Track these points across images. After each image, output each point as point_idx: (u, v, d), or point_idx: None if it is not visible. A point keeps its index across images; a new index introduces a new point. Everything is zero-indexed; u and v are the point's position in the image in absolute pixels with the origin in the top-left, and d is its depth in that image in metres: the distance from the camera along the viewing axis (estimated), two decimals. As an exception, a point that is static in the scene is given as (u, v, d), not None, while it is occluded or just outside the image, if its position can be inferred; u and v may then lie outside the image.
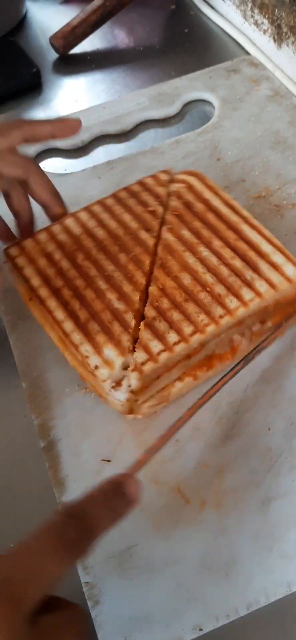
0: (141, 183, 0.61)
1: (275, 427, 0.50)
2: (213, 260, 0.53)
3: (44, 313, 0.53)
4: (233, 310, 0.50)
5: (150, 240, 0.56)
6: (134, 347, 0.49)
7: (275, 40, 0.83)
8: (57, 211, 0.59)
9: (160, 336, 0.49)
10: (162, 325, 0.50)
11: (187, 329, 0.49)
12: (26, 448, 0.51)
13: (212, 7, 1.00)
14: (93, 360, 0.49)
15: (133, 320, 0.51)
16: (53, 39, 0.92)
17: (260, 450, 0.48)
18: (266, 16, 0.84)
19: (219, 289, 0.51)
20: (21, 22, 1.03)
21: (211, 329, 0.50)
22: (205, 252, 0.54)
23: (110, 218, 0.58)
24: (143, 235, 0.56)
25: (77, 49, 0.94)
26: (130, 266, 0.54)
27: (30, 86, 0.88)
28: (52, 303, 0.53)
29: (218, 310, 0.50)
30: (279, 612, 0.42)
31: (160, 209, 0.58)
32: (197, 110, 0.81)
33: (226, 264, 0.53)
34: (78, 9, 0.97)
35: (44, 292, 0.54)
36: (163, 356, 0.49)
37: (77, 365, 0.51)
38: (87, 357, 0.49)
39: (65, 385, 0.54)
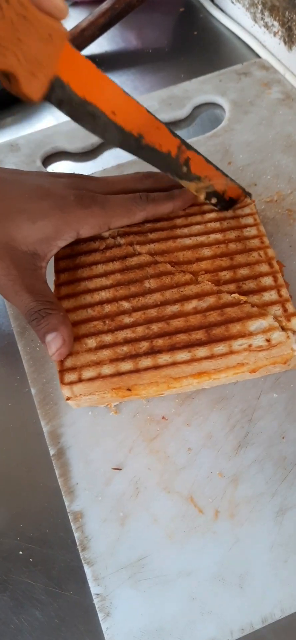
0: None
1: (289, 436, 0.49)
2: None
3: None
4: None
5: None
6: None
7: (285, 43, 0.82)
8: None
9: None
10: None
11: None
12: (36, 455, 0.51)
13: (222, 10, 0.99)
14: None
15: None
16: (62, 42, 0.92)
17: (275, 459, 0.48)
18: (277, 18, 0.83)
19: None
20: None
21: None
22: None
23: None
24: None
25: (85, 52, 0.93)
26: None
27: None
28: None
29: None
30: (294, 627, 0.41)
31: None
32: (207, 114, 0.80)
33: None
34: (86, 11, 0.96)
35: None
36: None
37: None
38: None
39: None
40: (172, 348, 0.48)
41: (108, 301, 0.52)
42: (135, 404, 0.52)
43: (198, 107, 0.81)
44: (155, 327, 0.49)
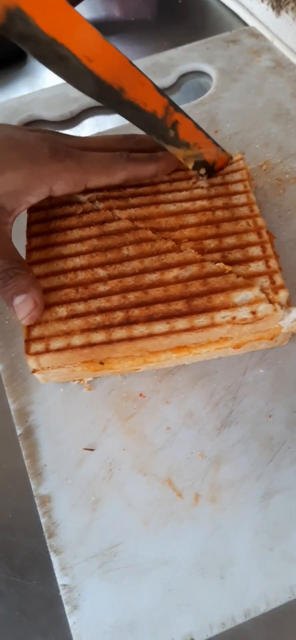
0: None
1: (276, 415, 0.45)
2: None
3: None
4: None
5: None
6: None
7: (273, 8, 0.79)
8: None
9: None
10: None
11: None
12: (1, 435, 0.47)
13: (209, -21, 0.95)
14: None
15: None
16: (41, 7, 0.87)
17: (260, 440, 0.44)
18: (265, -16, 0.80)
19: None
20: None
21: None
22: None
23: None
24: None
25: (66, 20, 0.89)
26: None
27: (16, 56, 0.83)
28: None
29: None
30: (280, 620, 0.38)
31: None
32: (193, 82, 0.76)
33: None
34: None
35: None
36: None
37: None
38: None
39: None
40: (149, 319, 0.44)
41: (83, 268, 0.48)
42: (110, 380, 0.48)
43: (184, 76, 0.77)
44: (132, 297, 0.45)
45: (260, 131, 0.66)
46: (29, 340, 0.44)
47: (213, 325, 0.44)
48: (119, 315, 0.45)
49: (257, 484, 0.42)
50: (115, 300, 0.45)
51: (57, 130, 0.54)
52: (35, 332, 0.45)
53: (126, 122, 0.68)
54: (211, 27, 0.86)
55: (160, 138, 0.49)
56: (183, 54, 0.78)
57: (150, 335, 0.44)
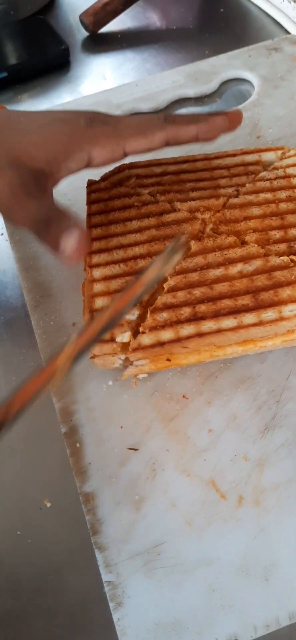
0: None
1: (320, 419, 0.45)
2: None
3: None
4: None
5: None
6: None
7: (315, 17, 0.79)
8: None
9: None
10: None
11: None
12: (47, 433, 0.47)
13: (250, -13, 0.95)
14: None
15: None
16: (83, 16, 0.89)
17: (305, 444, 0.44)
18: (308, -7, 0.80)
19: None
20: (52, 2, 0.99)
21: None
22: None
23: None
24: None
25: (107, 28, 0.90)
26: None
27: (59, 63, 0.85)
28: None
29: None
30: None
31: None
32: (235, 90, 0.77)
33: None
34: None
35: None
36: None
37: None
38: None
39: (89, 368, 0.49)
40: (217, 314, 0.44)
41: (142, 256, 0.49)
42: (153, 381, 0.48)
43: (226, 83, 0.77)
44: (198, 292, 0.46)
45: (303, 137, 0.66)
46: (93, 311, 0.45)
47: (281, 319, 0.44)
48: (186, 311, 0.45)
49: (302, 488, 0.42)
50: (181, 295, 0.46)
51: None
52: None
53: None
54: (253, 35, 0.87)
55: None
56: (225, 61, 0.79)
57: (219, 331, 0.44)
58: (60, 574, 0.41)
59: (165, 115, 0.51)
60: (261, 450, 0.44)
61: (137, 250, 0.49)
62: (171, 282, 0.46)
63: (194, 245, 0.48)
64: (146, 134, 0.49)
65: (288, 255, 0.47)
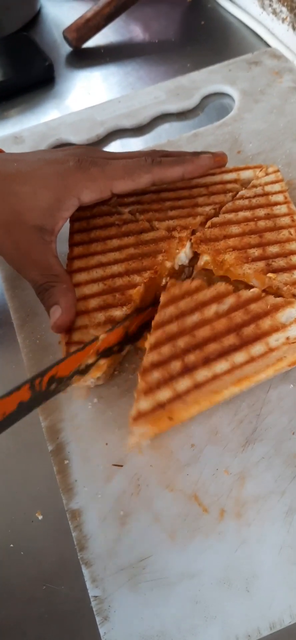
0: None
1: (299, 432, 0.46)
2: None
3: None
4: None
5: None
6: None
7: (294, 29, 0.80)
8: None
9: None
10: None
11: None
12: (37, 448, 0.48)
13: (230, -1, 0.97)
14: None
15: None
16: (67, 32, 0.90)
17: (284, 456, 0.45)
18: (285, 4, 0.81)
19: None
20: (35, 18, 1.00)
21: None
22: None
23: None
24: None
25: (90, 43, 0.92)
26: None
27: (44, 79, 0.86)
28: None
29: None
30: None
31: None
32: (216, 104, 0.78)
33: None
34: (92, 4, 0.94)
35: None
36: None
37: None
38: None
39: (74, 386, 0.50)
40: (207, 360, 0.44)
41: (120, 275, 0.50)
42: (137, 398, 0.49)
43: (207, 97, 0.79)
44: (181, 343, 0.45)
45: (282, 151, 0.67)
46: (69, 343, 0.47)
47: (270, 350, 0.45)
48: (177, 365, 0.45)
49: (281, 500, 0.43)
50: (166, 350, 0.45)
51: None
52: (76, 336, 0.47)
53: (151, 144, 0.71)
54: (234, 47, 0.88)
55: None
56: (205, 76, 0.80)
57: (215, 377, 0.44)
58: (52, 584, 0.42)
59: (152, 157, 0.53)
60: (242, 463, 0.45)
61: (116, 268, 0.50)
62: (151, 339, 0.46)
63: (162, 297, 0.48)
64: (133, 176, 0.52)
65: (265, 273, 0.48)
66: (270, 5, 0.85)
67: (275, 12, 0.84)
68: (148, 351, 0.46)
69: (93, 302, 0.49)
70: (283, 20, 0.82)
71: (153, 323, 0.47)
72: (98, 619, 0.40)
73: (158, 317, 0.47)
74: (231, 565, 0.41)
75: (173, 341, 0.46)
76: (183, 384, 0.44)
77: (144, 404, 0.44)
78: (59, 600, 0.41)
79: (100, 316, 0.48)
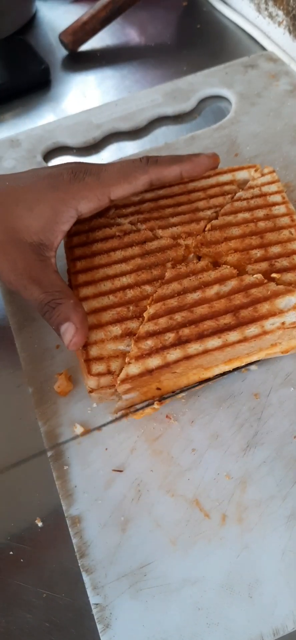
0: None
1: (301, 435, 0.46)
2: None
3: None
4: None
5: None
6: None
7: (290, 32, 0.80)
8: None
9: None
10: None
11: None
12: (32, 456, 0.48)
13: (225, 2, 0.96)
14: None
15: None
16: (63, 35, 0.90)
17: (285, 460, 0.45)
18: (281, 7, 0.81)
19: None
20: (31, 21, 1.00)
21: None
22: None
23: None
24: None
25: (86, 46, 0.91)
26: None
27: (39, 83, 0.85)
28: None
29: None
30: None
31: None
32: (214, 107, 0.78)
33: None
34: (88, 8, 0.94)
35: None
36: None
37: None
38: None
39: (73, 391, 0.50)
40: (200, 336, 0.45)
41: (130, 286, 0.50)
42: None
43: (204, 101, 0.79)
44: (179, 317, 0.46)
45: (279, 154, 0.67)
46: (88, 360, 0.46)
47: (264, 333, 0.45)
48: (170, 337, 0.46)
49: (283, 504, 0.43)
50: (163, 322, 0.46)
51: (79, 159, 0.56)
52: (94, 351, 0.46)
53: (148, 147, 0.71)
54: (230, 50, 0.88)
55: None
56: (202, 79, 0.80)
57: (205, 352, 0.45)
58: (53, 592, 0.42)
59: (148, 158, 0.52)
60: (244, 468, 0.45)
61: (125, 280, 0.50)
62: (150, 310, 0.47)
63: (168, 273, 0.49)
64: (129, 178, 0.51)
65: (269, 274, 0.48)
66: (266, 9, 0.85)
67: (271, 16, 0.84)
68: (145, 321, 0.47)
69: (106, 316, 0.48)
70: (279, 23, 0.82)
71: (154, 295, 0.48)
72: (99, 627, 0.39)
73: (160, 291, 0.48)
74: (233, 570, 0.40)
75: (171, 314, 0.47)
76: (174, 354, 0.45)
77: (134, 369, 0.44)
78: (60, 608, 0.41)
79: (116, 329, 0.47)
